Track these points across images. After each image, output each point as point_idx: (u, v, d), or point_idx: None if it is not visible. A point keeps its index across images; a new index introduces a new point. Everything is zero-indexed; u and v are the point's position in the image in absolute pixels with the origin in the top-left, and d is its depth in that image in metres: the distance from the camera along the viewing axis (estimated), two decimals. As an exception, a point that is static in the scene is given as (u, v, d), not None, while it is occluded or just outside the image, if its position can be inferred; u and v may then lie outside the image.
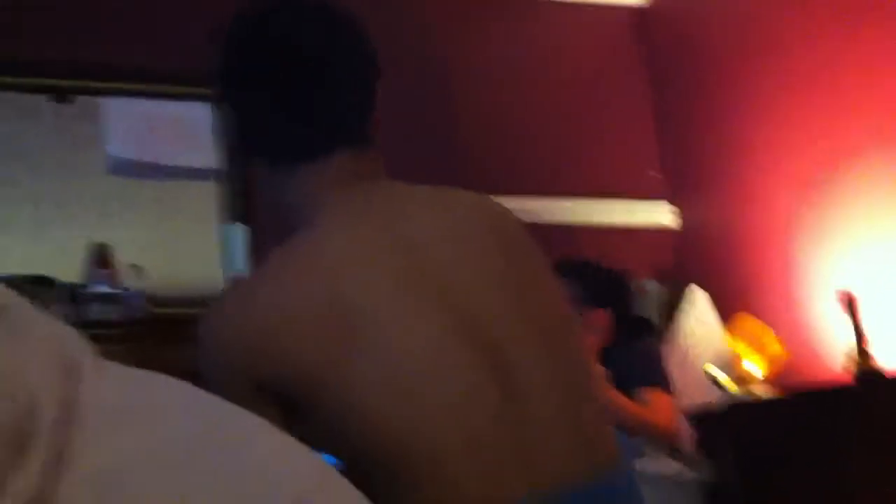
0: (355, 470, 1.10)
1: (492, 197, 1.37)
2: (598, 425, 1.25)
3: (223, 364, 1.14)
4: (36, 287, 2.09)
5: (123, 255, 2.41)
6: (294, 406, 1.12)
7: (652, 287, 3.19)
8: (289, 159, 1.24)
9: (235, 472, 0.53)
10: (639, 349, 2.60)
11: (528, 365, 1.18)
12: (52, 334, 0.57)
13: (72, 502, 0.49)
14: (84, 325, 2.24)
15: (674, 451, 2.37)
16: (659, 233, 3.43)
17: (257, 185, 1.33)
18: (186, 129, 2.72)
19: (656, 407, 2.41)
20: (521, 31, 3.40)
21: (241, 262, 2.36)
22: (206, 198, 2.65)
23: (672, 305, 3.16)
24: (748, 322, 2.90)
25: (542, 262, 1.29)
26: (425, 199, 1.29)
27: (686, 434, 2.51)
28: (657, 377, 2.51)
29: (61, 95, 2.70)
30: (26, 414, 0.50)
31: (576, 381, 1.24)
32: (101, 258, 2.30)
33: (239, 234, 2.39)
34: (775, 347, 2.82)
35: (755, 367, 2.80)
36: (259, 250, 2.47)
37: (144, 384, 0.60)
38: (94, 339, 0.60)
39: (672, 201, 3.45)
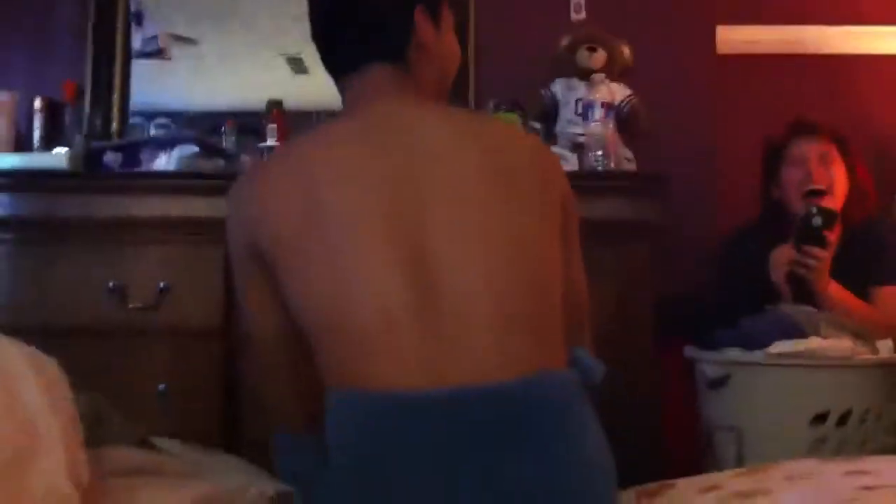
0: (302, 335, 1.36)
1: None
2: (530, 334, 1.31)
3: (231, 227, 1.45)
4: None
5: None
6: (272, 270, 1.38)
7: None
8: (332, 75, 1.54)
9: None
10: (873, 240, 2.36)
11: (455, 269, 1.30)
12: None
13: None
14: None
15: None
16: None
17: None
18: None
19: (887, 306, 2.25)
20: None
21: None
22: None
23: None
24: None
25: (538, 189, 1.41)
26: (437, 116, 1.48)
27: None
28: (890, 273, 2.30)
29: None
30: None
31: (519, 291, 1.32)
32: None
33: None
34: None
35: None
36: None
37: None
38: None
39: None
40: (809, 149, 2.41)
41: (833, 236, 2.22)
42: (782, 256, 2.25)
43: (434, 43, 1.51)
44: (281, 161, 1.51)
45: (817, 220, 2.19)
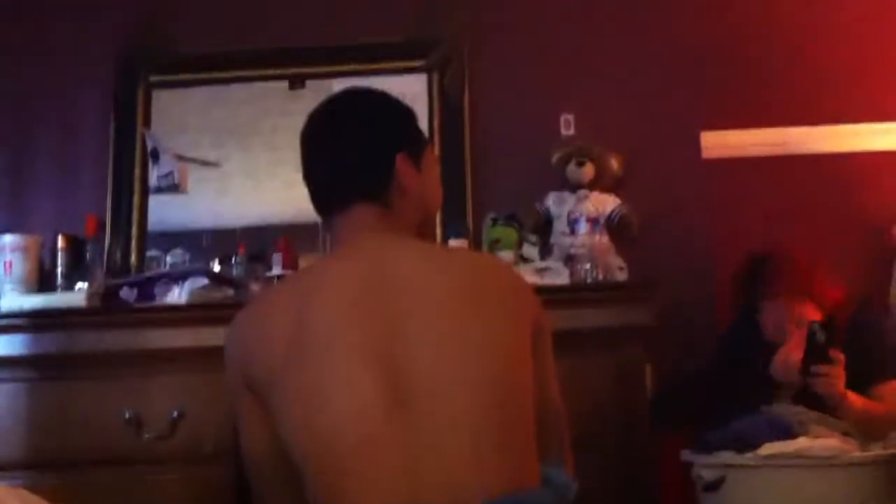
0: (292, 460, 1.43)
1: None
2: (505, 446, 1.39)
3: (227, 361, 1.54)
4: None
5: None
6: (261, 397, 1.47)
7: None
8: (319, 214, 1.65)
9: None
10: (871, 336, 2.37)
11: (430, 383, 1.39)
12: None
13: None
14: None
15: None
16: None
17: None
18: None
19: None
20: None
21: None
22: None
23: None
24: None
25: (509, 311, 1.50)
26: (413, 249, 1.58)
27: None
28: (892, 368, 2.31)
29: (295, 81, 3.01)
30: None
31: (494, 409, 1.40)
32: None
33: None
34: None
35: None
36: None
37: None
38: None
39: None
40: (782, 317, 2.40)
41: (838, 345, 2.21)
42: (787, 360, 2.28)
43: (414, 185, 1.61)
44: (271, 296, 1.65)
45: (821, 337, 2.19)
